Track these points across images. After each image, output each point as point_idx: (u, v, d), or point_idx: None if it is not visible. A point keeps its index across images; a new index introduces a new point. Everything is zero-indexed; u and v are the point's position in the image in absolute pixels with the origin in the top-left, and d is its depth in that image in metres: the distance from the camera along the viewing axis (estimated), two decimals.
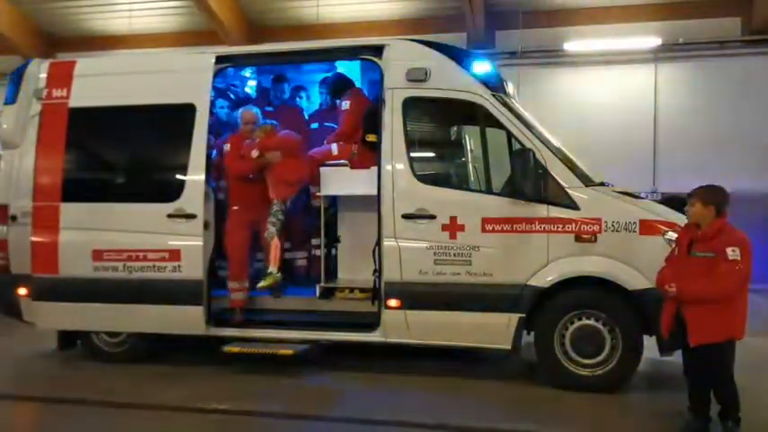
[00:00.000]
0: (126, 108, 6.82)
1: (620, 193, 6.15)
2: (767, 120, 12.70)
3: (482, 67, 6.30)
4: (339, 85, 7.46)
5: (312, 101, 8.20)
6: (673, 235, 5.50)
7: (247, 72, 8.22)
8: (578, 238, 5.86)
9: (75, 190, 6.82)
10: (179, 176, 6.59)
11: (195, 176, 6.52)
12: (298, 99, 8.12)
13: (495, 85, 6.31)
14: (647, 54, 13.22)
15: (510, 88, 6.80)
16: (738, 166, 12.11)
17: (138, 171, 7.03)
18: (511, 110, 6.19)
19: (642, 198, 6.57)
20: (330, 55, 7.20)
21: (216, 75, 6.74)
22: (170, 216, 6.50)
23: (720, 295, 4.63)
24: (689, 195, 4.89)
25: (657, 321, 5.07)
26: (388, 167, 6.19)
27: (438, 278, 6.05)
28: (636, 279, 5.74)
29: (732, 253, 4.59)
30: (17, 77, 7.09)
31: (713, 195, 4.81)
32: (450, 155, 7.14)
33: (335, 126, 7.36)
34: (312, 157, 7.10)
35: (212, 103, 7.43)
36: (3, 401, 6.07)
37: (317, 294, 6.76)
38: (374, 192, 6.28)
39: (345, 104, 7.15)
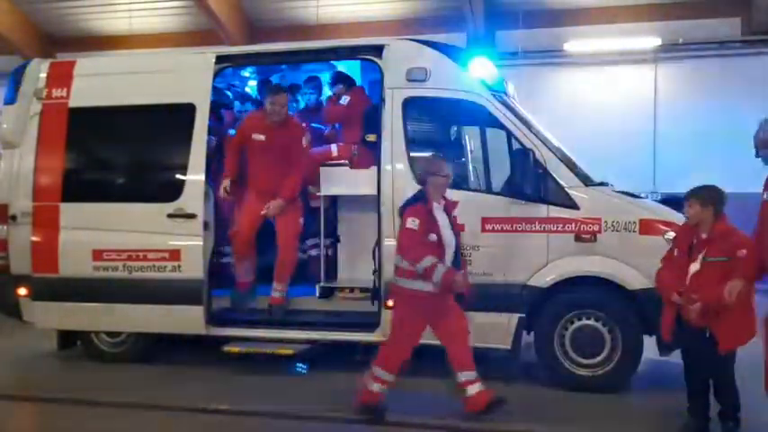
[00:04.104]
0: (126, 108, 6.82)
1: (620, 192, 6.15)
2: None
3: (482, 66, 6.31)
4: (340, 78, 7.37)
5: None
6: (673, 235, 5.49)
7: (247, 72, 8.22)
8: (578, 238, 5.86)
9: (76, 190, 6.82)
10: (179, 176, 6.59)
11: (195, 176, 6.52)
12: (295, 103, 8.08)
13: (495, 85, 6.32)
14: (647, 54, 13.20)
15: (510, 88, 6.80)
16: (739, 167, 12.04)
17: (138, 171, 7.04)
18: (511, 110, 6.19)
19: (642, 198, 6.57)
20: (330, 55, 7.18)
21: (216, 75, 6.73)
22: (170, 216, 6.49)
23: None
24: (686, 197, 4.86)
25: (657, 321, 5.06)
26: (388, 167, 6.18)
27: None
28: (636, 279, 5.74)
29: (743, 255, 4.60)
30: (17, 77, 7.09)
31: (711, 195, 4.79)
32: (450, 155, 7.12)
33: (321, 127, 7.35)
34: (312, 157, 7.09)
35: (233, 103, 7.40)
36: (3, 401, 6.06)
37: (317, 294, 6.77)
38: (374, 192, 6.28)
39: (345, 99, 7.08)
